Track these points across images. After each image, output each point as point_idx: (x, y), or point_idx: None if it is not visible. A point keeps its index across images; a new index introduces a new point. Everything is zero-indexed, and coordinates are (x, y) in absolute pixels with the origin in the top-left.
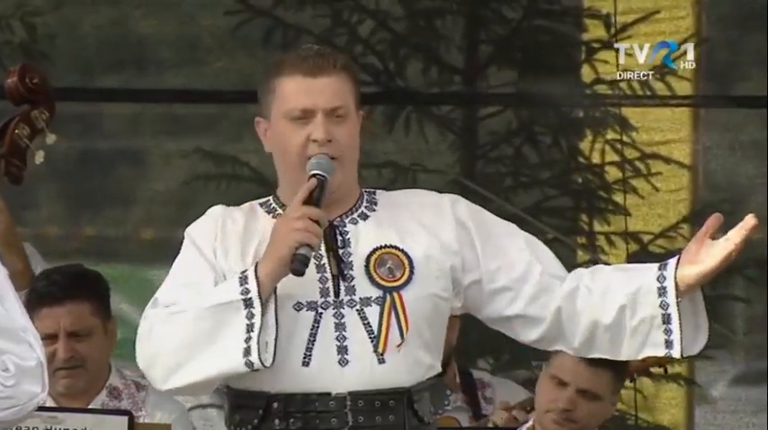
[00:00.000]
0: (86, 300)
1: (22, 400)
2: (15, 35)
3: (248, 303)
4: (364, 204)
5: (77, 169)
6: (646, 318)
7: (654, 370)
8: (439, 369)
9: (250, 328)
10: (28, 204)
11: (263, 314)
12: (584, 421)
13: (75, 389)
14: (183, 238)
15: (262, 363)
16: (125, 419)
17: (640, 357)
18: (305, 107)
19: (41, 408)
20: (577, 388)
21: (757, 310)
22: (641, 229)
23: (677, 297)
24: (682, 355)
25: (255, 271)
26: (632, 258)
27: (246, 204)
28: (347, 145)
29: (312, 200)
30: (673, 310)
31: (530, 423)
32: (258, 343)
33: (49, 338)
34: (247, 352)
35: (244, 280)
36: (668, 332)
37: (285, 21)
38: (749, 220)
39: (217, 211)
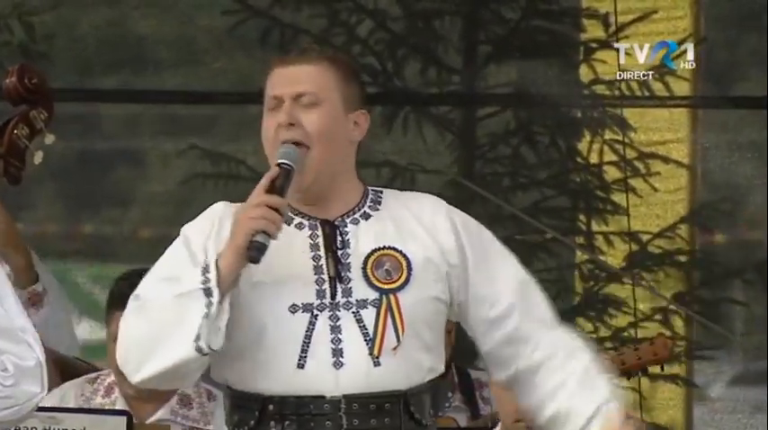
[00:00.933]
0: None
1: (21, 400)
2: (14, 35)
3: (207, 292)
4: (368, 203)
5: (76, 169)
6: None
7: (651, 369)
8: (440, 370)
9: (206, 316)
10: (26, 204)
11: (220, 302)
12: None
13: (147, 392)
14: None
15: (210, 347)
16: (123, 419)
17: None
18: (274, 94)
19: (40, 409)
20: None
21: (756, 312)
22: (640, 229)
23: None
24: None
25: (217, 261)
26: (631, 258)
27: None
28: (316, 130)
29: (275, 188)
30: None
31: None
32: (209, 328)
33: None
34: (198, 338)
35: (205, 270)
36: None
37: (282, 21)
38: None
39: (217, 209)
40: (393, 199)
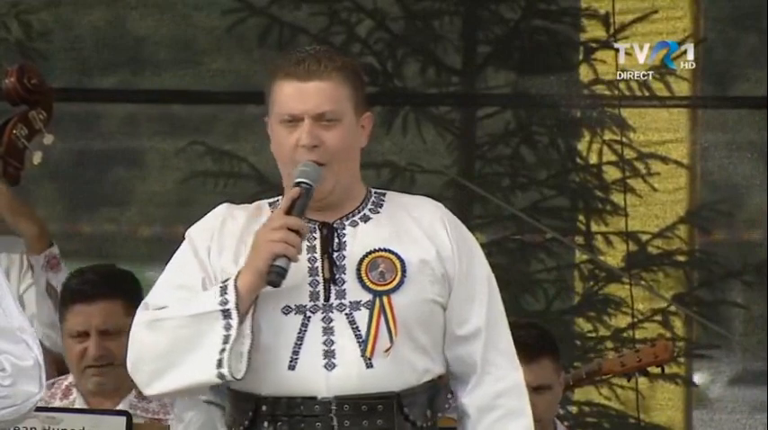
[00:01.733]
0: (118, 298)
1: (19, 400)
2: (11, 33)
3: (226, 314)
4: (368, 206)
5: (74, 169)
6: None
7: (651, 370)
8: (438, 372)
9: (226, 340)
10: None
11: (239, 325)
12: (545, 415)
13: (105, 387)
14: (181, 238)
15: (233, 376)
16: (123, 419)
17: None
18: (292, 112)
19: (39, 409)
20: (529, 387)
21: (755, 312)
22: (639, 229)
23: None
24: None
25: (236, 281)
26: (630, 258)
27: (254, 203)
28: (337, 149)
29: (295, 209)
30: None
31: None
32: (231, 354)
33: (80, 336)
34: (220, 364)
35: (223, 290)
36: None
37: (281, 20)
38: None
39: (220, 210)
40: (394, 201)
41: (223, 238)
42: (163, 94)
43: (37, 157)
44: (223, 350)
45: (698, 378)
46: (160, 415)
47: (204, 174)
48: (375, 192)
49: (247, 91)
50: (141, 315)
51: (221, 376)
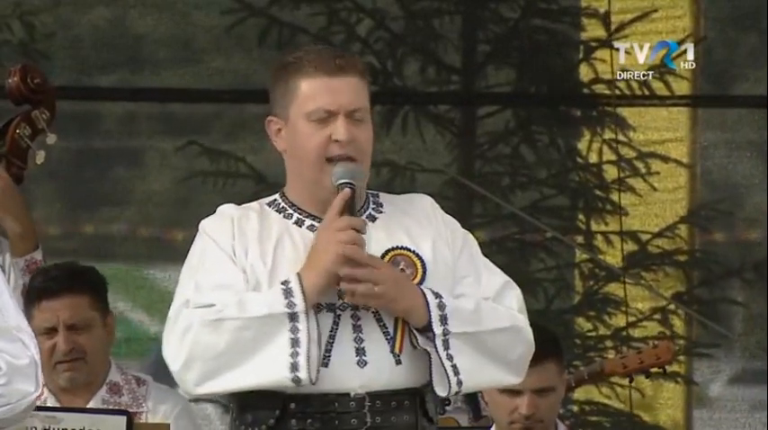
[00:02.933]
0: (84, 293)
1: (14, 399)
2: (14, 34)
3: (293, 317)
4: (371, 206)
5: (74, 168)
6: None
7: (653, 370)
8: None
9: (295, 343)
10: None
11: (309, 329)
12: (548, 416)
13: (77, 382)
14: (180, 237)
15: (311, 380)
16: (123, 419)
17: None
18: (328, 108)
19: (39, 408)
20: (532, 390)
21: (754, 311)
22: (639, 229)
23: None
24: None
25: (301, 283)
26: (630, 257)
27: (254, 203)
28: (367, 146)
29: (348, 209)
30: None
31: None
32: (308, 359)
33: (48, 332)
34: (294, 367)
35: (288, 292)
36: None
37: (281, 19)
38: None
39: (230, 210)
40: (391, 202)
41: (244, 238)
42: (162, 93)
43: (40, 157)
44: (296, 353)
45: (698, 377)
46: (133, 408)
47: (203, 173)
48: (370, 194)
49: (247, 89)
50: (188, 312)
51: (296, 380)
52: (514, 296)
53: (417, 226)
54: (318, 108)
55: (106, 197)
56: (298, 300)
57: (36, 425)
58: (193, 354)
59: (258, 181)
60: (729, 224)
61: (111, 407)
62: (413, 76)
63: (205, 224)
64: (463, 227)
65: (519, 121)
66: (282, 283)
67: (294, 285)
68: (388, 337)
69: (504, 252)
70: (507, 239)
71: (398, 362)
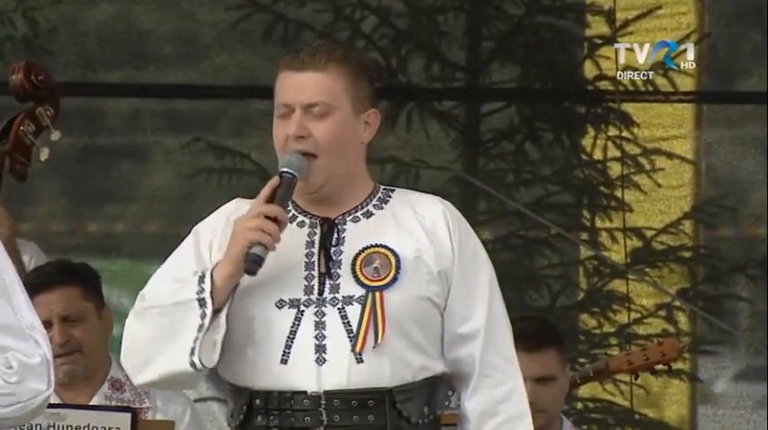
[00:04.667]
0: (76, 285)
1: (24, 397)
2: (17, 30)
3: (202, 303)
4: (373, 202)
5: (79, 165)
6: None
7: (658, 367)
8: (437, 370)
9: (200, 328)
10: (30, 200)
11: (213, 314)
12: (550, 406)
13: (75, 375)
14: (185, 233)
15: (203, 365)
16: (128, 416)
17: None
18: (285, 102)
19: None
20: (532, 378)
21: (759, 307)
22: (643, 225)
23: None
24: None
25: (212, 270)
26: (635, 254)
27: None
28: (327, 142)
29: (278, 197)
30: None
31: None
32: (203, 343)
33: (43, 326)
34: (192, 352)
35: (201, 279)
36: None
37: (286, 16)
38: None
39: (228, 206)
40: (401, 198)
41: (226, 234)
42: (167, 90)
43: (44, 154)
44: (196, 339)
45: (702, 373)
46: (135, 403)
47: (208, 170)
48: (383, 189)
49: (252, 86)
50: (135, 305)
51: (193, 364)
52: (507, 334)
53: (412, 225)
54: (279, 103)
55: (111, 193)
56: (207, 285)
57: (41, 422)
58: (129, 344)
59: (263, 176)
60: (734, 220)
61: (113, 403)
62: (417, 73)
63: (200, 222)
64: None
65: (523, 118)
66: (201, 271)
67: (207, 272)
68: (351, 336)
69: (509, 249)
70: (511, 236)
71: (360, 361)
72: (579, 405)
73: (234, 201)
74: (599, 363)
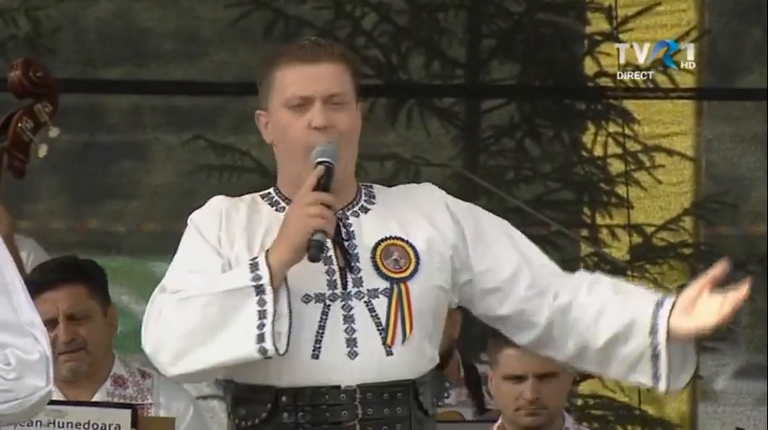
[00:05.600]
0: (81, 283)
1: (22, 394)
2: (20, 29)
3: (259, 290)
4: (363, 198)
5: (79, 162)
6: (635, 351)
7: None
8: (437, 360)
9: (262, 315)
10: (30, 197)
11: (275, 301)
12: (553, 403)
13: (79, 373)
14: (186, 227)
15: (276, 351)
16: (128, 412)
17: (628, 380)
18: (303, 95)
19: None
20: (535, 375)
21: (759, 304)
22: (644, 222)
23: (667, 340)
24: (666, 391)
25: (267, 257)
26: (635, 250)
27: (247, 196)
28: (346, 131)
29: (321, 186)
30: (662, 350)
31: (498, 422)
32: (273, 330)
33: (48, 323)
34: (261, 338)
35: (254, 266)
36: (656, 367)
37: (286, 13)
38: (744, 291)
39: (219, 202)
40: (385, 193)
41: (231, 229)
42: (167, 86)
43: (42, 150)
44: (262, 325)
45: (703, 370)
46: (138, 400)
47: (208, 167)
48: (364, 186)
49: (252, 83)
50: (161, 297)
51: (263, 351)
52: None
53: (411, 216)
54: (294, 95)
55: (111, 190)
56: (263, 272)
57: (41, 419)
58: (164, 335)
59: (263, 174)
60: (734, 217)
61: (115, 399)
62: (418, 70)
63: (194, 216)
64: None
65: (523, 115)
66: (251, 259)
67: (261, 259)
68: (380, 329)
69: None
70: None
71: (390, 354)
72: (579, 401)
73: (219, 197)
74: None
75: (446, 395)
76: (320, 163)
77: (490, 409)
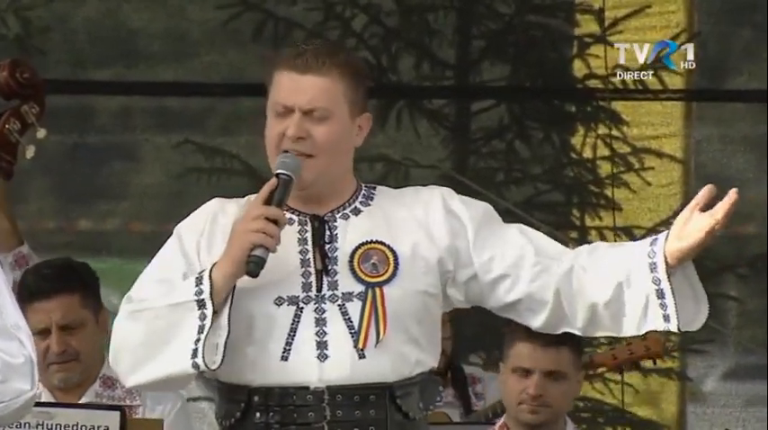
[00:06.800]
0: (76, 292)
1: (7, 397)
2: (10, 30)
3: (201, 304)
4: (359, 199)
5: (68, 163)
6: (641, 294)
7: (644, 363)
8: (431, 364)
9: (201, 330)
10: (19, 198)
11: (213, 315)
12: (557, 403)
13: (71, 382)
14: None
15: (206, 366)
16: (117, 414)
17: (642, 332)
18: (285, 103)
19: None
20: (542, 371)
21: (748, 306)
22: (633, 224)
23: (667, 272)
24: (680, 329)
25: (211, 271)
26: None
27: (245, 197)
28: (325, 143)
29: (274, 199)
30: (665, 285)
31: (501, 421)
32: (205, 345)
33: (41, 333)
34: (195, 353)
35: (199, 280)
36: (664, 306)
37: (276, 14)
38: (732, 195)
39: (211, 205)
40: (386, 195)
41: (214, 234)
42: (157, 88)
43: (30, 152)
44: (198, 340)
45: (692, 372)
46: (127, 401)
47: (198, 170)
48: (366, 187)
49: (242, 84)
50: (123, 307)
51: (196, 366)
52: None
53: (404, 219)
54: (277, 102)
55: (100, 191)
56: (206, 286)
57: (29, 421)
58: (120, 346)
59: (252, 176)
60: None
61: (104, 401)
62: (407, 71)
63: (181, 223)
64: None
65: (513, 117)
66: (198, 273)
67: (205, 273)
68: (353, 332)
69: None
70: None
71: (362, 357)
72: None
73: (214, 200)
74: (584, 358)
75: (438, 399)
76: (277, 175)
77: (476, 411)
